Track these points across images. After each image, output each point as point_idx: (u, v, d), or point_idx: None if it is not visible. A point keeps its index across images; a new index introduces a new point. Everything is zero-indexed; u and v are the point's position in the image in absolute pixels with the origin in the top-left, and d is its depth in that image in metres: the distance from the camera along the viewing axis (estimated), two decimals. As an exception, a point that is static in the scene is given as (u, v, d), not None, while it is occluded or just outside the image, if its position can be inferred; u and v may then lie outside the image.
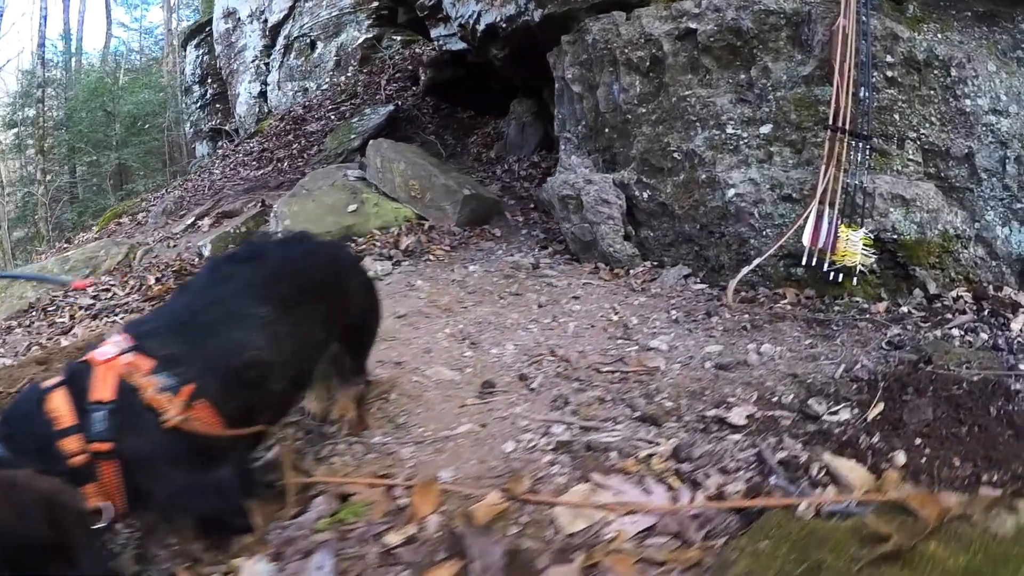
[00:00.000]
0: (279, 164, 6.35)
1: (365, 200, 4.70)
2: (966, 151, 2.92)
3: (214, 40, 10.32)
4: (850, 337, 2.49)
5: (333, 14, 7.83)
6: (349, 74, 7.47)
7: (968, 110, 2.90)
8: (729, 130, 3.21)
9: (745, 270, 2.99)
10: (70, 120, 15.01)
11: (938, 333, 2.51)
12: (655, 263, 3.67)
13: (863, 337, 2.48)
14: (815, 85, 3.01)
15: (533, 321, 3.04)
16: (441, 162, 4.91)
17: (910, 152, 2.97)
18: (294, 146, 6.73)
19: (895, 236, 2.90)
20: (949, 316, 2.70)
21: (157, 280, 4.43)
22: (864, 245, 2.82)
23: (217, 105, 10.38)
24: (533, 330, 2.95)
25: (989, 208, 2.97)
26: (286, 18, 8.71)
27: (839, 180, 2.87)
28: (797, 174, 3.05)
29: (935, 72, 2.88)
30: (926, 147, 2.95)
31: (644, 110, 3.53)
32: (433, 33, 5.46)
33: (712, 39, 3.21)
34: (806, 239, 2.85)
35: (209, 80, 10.46)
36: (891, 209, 2.89)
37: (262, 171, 6.28)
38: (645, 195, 3.62)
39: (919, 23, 2.95)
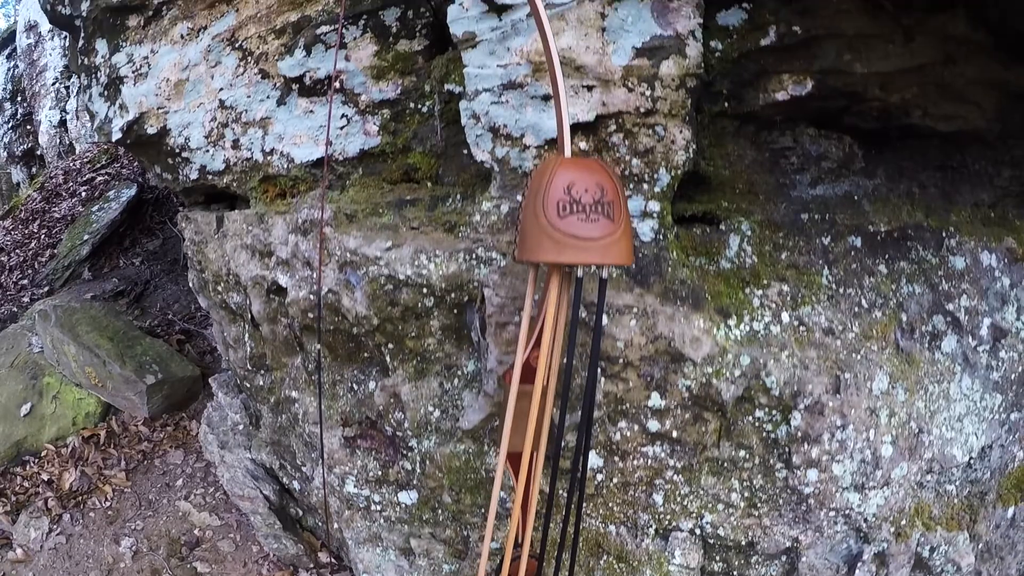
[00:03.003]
0: (7, 277, 4.51)
1: (45, 389, 3.05)
2: (788, 545, 1.32)
3: (18, 56, 7.87)
4: None
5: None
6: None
7: (809, 490, 1.27)
8: (351, 487, 1.57)
9: None
10: None
11: None
12: (331, 561, 2.13)
13: None
14: (489, 442, 1.33)
15: None
16: (128, 327, 3.20)
17: (677, 552, 1.35)
18: (32, 243, 4.82)
19: None
20: None
21: None
22: None
23: (28, 127, 8.09)
24: None
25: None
26: (75, 29, 6.39)
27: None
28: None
29: (758, 415, 1.23)
30: (711, 540, 1.34)
31: (262, 383, 1.84)
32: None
33: (311, 315, 1.51)
34: None
35: (19, 98, 8.08)
36: None
37: (-14, 289, 4.42)
38: (295, 485, 2.02)
39: (744, 294, 1.22)
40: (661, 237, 1.18)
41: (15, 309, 3.90)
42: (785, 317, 1.23)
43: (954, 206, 1.38)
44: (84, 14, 1.96)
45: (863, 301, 1.28)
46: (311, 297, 1.40)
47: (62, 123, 7.59)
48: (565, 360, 0.98)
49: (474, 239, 1.22)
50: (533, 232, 0.89)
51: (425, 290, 1.26)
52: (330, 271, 1.35)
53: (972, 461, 1.45)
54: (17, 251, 4.59)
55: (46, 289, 4.03)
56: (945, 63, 1.14)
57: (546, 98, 1.13)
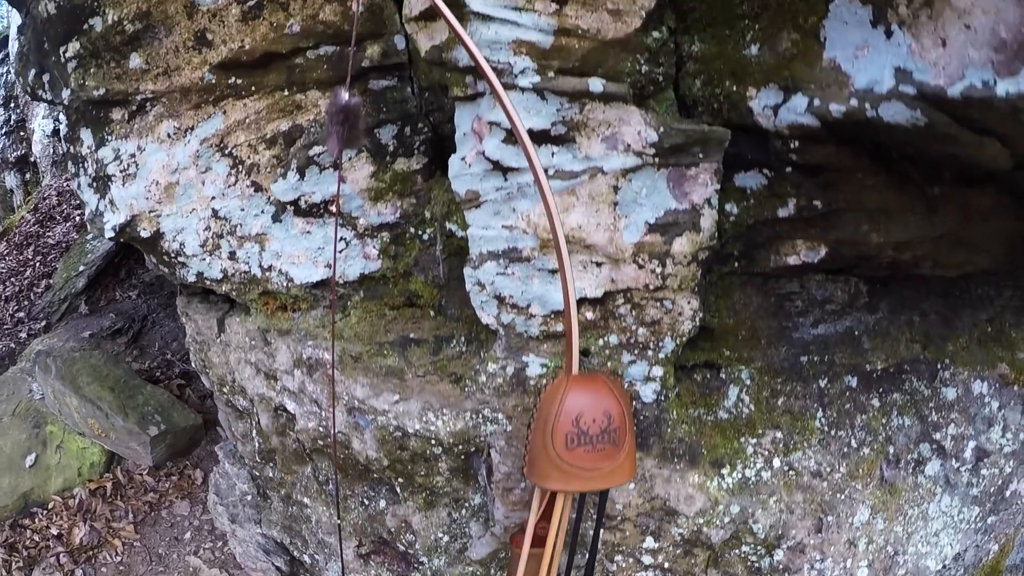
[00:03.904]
0: (3, 309, 4.33)
1: (49, 438, 2.98)
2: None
3: (10, 62, 7.45)
4: None
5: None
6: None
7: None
8: (367, 603, 1.57)
9: None
10: None
11: None
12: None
13: None
14: (496, 568, 1.35)
15: None
16: (128, 375, 3.12)
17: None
18: (27, 272, 4.64)
19: None
20: None
21: None
22: None
23: (21, 133, 7.71)
24: None
25: None
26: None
27: None
28: None
29: (744, 550, 1.23)
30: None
31: (272, 475, 1.82)
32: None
33: (321, 442, 1.47)
34: None
35: (12, 104, 7.67)
36: None
37: (-23, 326, 4.23)
38: (306, 559, 2.02)
39: (739, 443, 1.20)
40: (662, 398, 1.15)
41: (13, 345, 3.79)
42: (776, 463, 1.22)
43: (953, 332, 1.36)
44: (66, 102, 1.84)
45: (853, 441, 1.27)
46: (320, 428, 1.37)
47: (55, 132, 7.24)
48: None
49: (480, 400, 1.18)
50: (541, 460, 0.86)
51: (433, 441, 1.23)
52: (339, 412, 1.31)
53: (947, 565, 1.47)
54: (12, 280, 4.44)
55: (43, 324, 3.92)
56: (963, 224, 1.11)
57: (553, 271, 1.08)
